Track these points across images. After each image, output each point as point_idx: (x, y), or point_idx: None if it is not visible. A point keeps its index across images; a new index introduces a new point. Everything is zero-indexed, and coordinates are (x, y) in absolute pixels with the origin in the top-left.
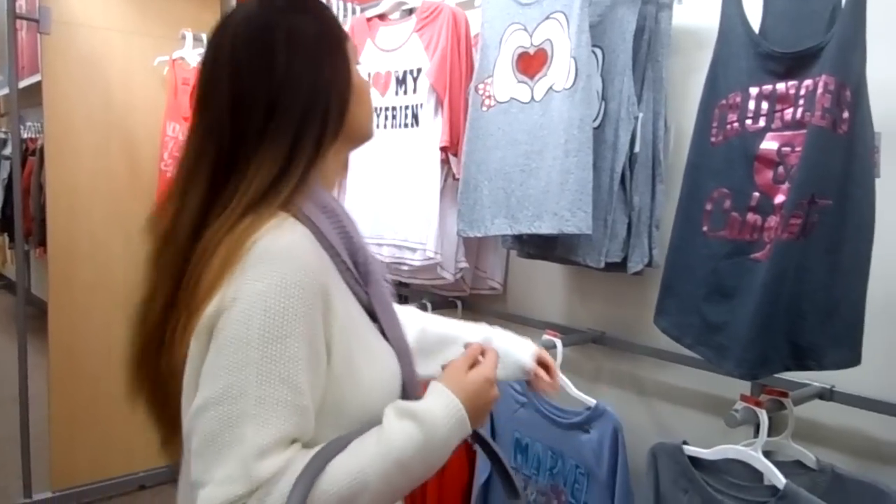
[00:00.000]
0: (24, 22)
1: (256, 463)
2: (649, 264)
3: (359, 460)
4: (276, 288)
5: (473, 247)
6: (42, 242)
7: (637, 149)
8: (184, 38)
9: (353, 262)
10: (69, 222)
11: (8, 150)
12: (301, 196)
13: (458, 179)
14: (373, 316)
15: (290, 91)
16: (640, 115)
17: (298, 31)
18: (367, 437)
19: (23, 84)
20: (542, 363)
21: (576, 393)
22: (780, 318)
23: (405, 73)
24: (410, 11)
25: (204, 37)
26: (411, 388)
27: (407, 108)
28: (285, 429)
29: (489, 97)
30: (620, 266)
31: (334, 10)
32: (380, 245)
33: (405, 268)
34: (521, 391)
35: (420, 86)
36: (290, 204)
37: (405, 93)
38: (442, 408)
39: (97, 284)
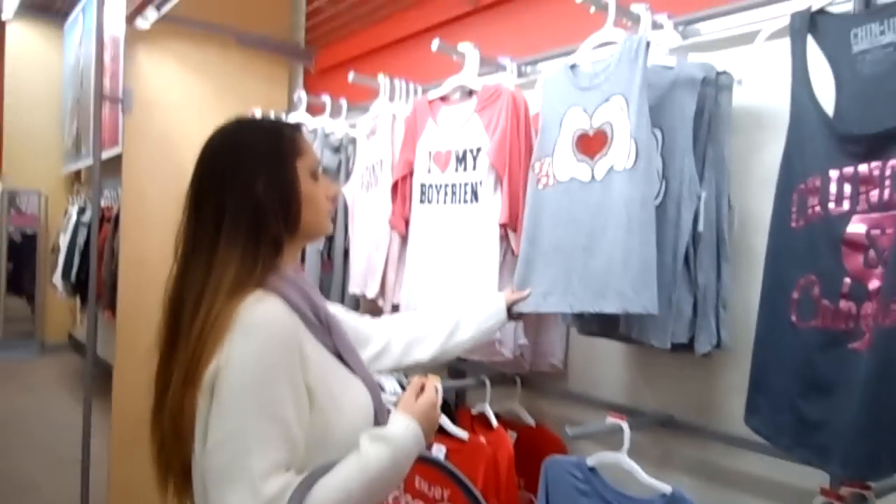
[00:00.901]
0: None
1: (263, 485)
2: (718, 346)
3: (343, 477)
4: (262, 347)
5: (533, 323)
6: (110, 306)
7: (701, 228)
8: (254, 115)
9: (316, 319)
10: (138, 289)
11: (86, 217)
12: (270, 275)
13: (516, 255)
14: (340, 358)
15: (233, 193)
16: (703, 193)
17: (247, 146)
18: (349, 459)
19: (104, 156)
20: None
21: (647, 479)
22: (890, 413)
23: (465, 151)
24: (471, 93)
25: (272, 114)
26: (380, 411)
27: (466, 184)
28: (281, 456)
29: (546, 175)
30: (687, 347)
31: (398, 91)
32: None
33: None
34: (583, 479)
35: (480, 163)
36: (263, 282)
37: (464, 170)
38: (403, 429)
39: None
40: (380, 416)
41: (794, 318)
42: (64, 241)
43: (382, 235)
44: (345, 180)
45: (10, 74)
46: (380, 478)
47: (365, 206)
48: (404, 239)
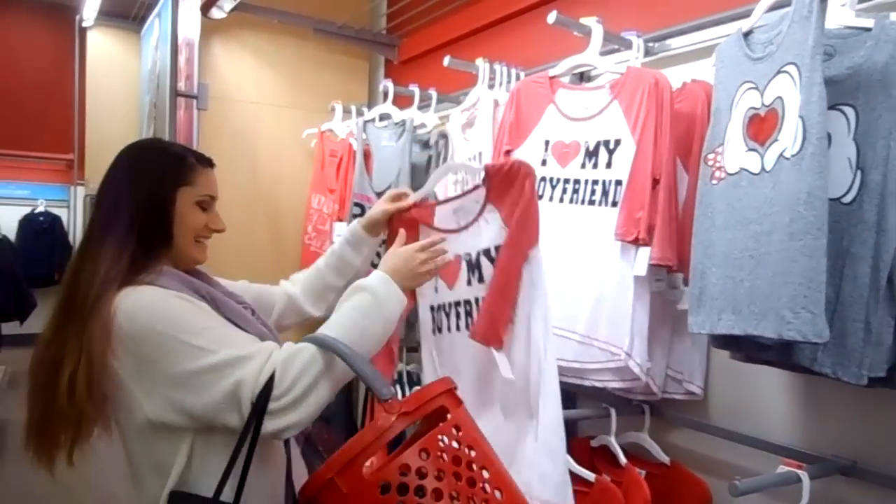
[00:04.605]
0: (183, 99)
1: (262, 351)
2: None
3: (337, 319)
4: (154, 310)
5: (665, 341)
6: None
7: None
8: (333, 110)
9: (199, 297)
10: None
11: None
12: (149, 274)
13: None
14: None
15: (113, 200)
16: None
17: (136, 162)
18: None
19: None
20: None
21: None
22: None
23: (598, 143)
24: (588, 77)
25: (353, 108)
26: None
27: (596, 182)
28: (249, 338)
29: (719, 168)
30: (885, 381)
31: (499, 77)
32: (568, 339)
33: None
34: None
35: (617, 160)
36: (132, 280)
37: (595, 167)
38: (375, 278)
39: None
40: None
41: None
42: None
43: None
44: None
45: (91, 81)
46: (365, 312)
47: None
48: None
